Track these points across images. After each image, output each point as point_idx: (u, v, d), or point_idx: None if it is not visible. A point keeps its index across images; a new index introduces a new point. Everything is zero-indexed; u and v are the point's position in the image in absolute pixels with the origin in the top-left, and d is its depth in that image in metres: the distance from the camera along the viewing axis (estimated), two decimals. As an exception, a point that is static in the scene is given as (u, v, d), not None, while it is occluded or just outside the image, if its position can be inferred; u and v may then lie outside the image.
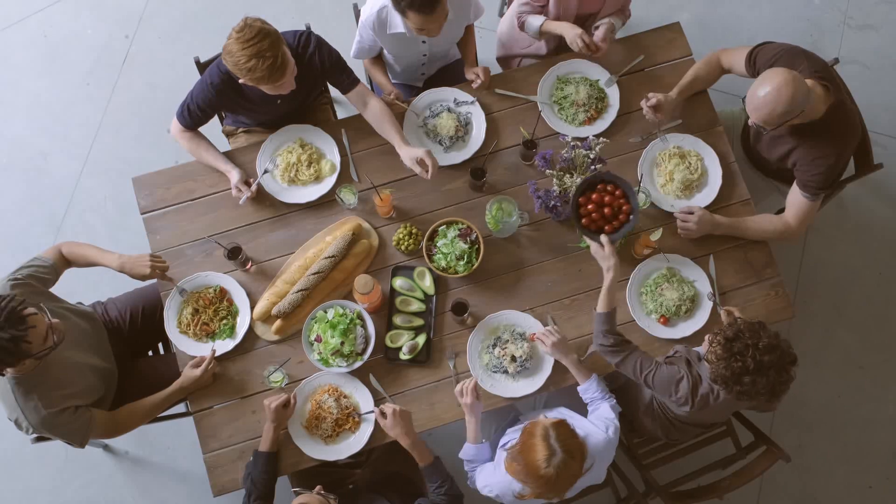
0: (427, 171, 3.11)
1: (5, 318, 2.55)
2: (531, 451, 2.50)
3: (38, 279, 2.98)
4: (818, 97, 2.91)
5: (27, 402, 2.77)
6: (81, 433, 2.93)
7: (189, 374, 3.08)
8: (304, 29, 3.19)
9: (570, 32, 3.36)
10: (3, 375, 2.73)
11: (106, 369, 3.11)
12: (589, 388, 2.99)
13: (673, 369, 2.84)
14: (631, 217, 3.06)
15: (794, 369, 2.61)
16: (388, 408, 2.94)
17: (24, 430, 2.85)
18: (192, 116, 3.22)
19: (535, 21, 3.46)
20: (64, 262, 3.10)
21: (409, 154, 3.17)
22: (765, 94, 2.81)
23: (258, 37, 2.83)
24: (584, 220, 3.07)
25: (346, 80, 3.25)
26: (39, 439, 3.12)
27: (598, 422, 2.86)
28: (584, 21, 3.57)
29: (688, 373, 2.80)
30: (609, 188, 3.08)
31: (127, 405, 3.09)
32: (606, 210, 3.05)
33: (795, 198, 3.16)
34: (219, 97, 3.15)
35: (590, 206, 3.06)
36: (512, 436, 2.89)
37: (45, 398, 2.80)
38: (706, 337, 2.71)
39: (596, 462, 2.71)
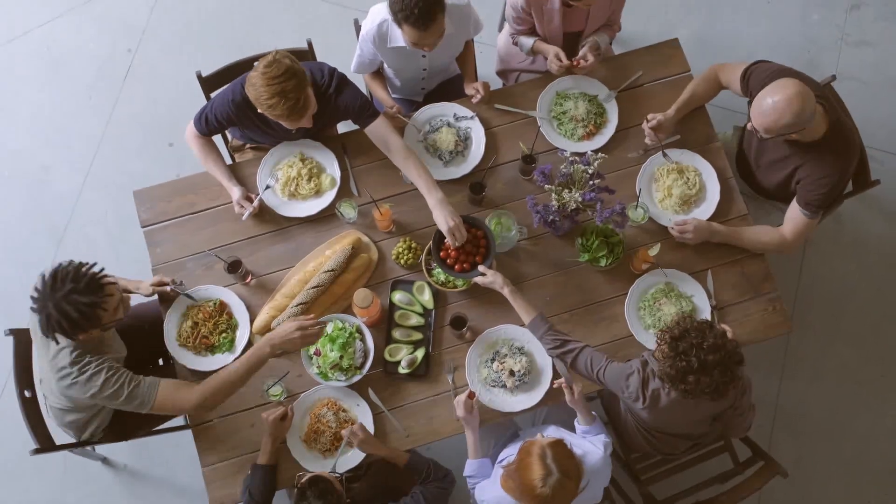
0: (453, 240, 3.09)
1: (86, 283, 2.60)
2: (527, 470, 2.49)
3: None
4: (819, 116, 2.93)
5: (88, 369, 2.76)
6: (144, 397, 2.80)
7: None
8: (329, 66, 3.18)
9: (550, 55, 3.45)
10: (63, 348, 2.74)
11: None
12: (590, 431, 3.01)
13: (624, 365, 2.86)
14: (488, 239, 3.16)
15: (741, 369, 2.63)
16: (356, 437, 2.97)
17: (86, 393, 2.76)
18: (209, 125, 3.24)
19: (527, 41, 3.55)
20: None
21: (439, 218, 3.09)
22: (774, 102, 2.82)
23: (284, 76, 2.84)
24: (457, 267, 3.14)
25: (365, 116, 3.21)
26: (39, 451, 3.13)
27: (595, 440, 2.88)
28: (574, 39, 3.62)
29: (640, 369, 2.82)
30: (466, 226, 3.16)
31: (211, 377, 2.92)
32: (467, 246, 3.14)
33: (795, 213, 3.18)
34: (237, 114, 3.16)
35: (451, 253, 3.14)
36: (511, 451, 2.89)
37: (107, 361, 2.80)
38: (656, 334, 2.73)
39: (591, 481, 2.71)
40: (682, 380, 2.58)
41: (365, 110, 3.18)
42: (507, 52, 3.80)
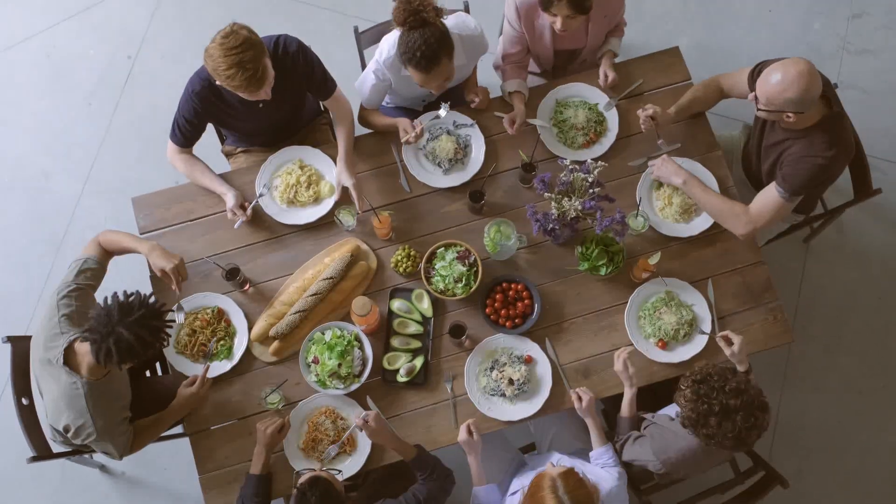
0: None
1: (155, 309, 2.67)
2: None
3: (95, 279, 3.01)
4: (817, 106, 2.91)
5: (97, 409, 2.80)
6: (125, 445, 2.98)
7: (183, 392, 3.07)
8: (283, 34, 3.20)
9: (506, 118, 3.41)
10: (82, 378, 2.76)
11: (130, 385, 3.13)
12: (603, 455, 2.98)
13: (637, 448, 2.93)
14: (529, 289, 3.23)
15: (766, 416, 2.62)
16: (370, 414, 2.91)
17: (83, 437, 2.84)
18: (183, 131, 3.24)
19: (509, 86, 3.48)
20: (105, 253, 3.09)
21: (338, 176, 3.30)
22: (785, 72, 2.79)
23: (242, 46, 2.85)
24: (508, 325, 3.21)
25: (326, 87, 3.33)
26: (36, 459, 3.12)
27: (609, 468, 2.87)
28: (568, 57, 3.60)
29: (651, 443, 2.89)
30: (503, 286, 3.26)
31: (136, 423, 3.08)
32: (511, 293, 3.24)
33: (768, 190, 3.11)
34: (202, 104, 3.16)
35: (498, 309, 3.23)
36: (521, 482, 2.86)
37: (111, 406, 2.87)
38: (680, 381, 2.75)
39: None
40: (704, 423, 2.59)
41: (325, 82, 3.30)
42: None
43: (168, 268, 3.02)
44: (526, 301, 3.21)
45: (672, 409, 2.99)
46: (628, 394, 3.05)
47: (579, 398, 3.02)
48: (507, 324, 3.21)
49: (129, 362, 2.67)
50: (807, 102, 2.81)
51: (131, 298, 2.65)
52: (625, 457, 2.99)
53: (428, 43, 2.96)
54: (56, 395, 2.81)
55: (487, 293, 3.24)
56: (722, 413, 2.56)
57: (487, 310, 3.22)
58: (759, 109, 2.92)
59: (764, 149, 3.19)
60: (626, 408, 3.06)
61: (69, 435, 2.85)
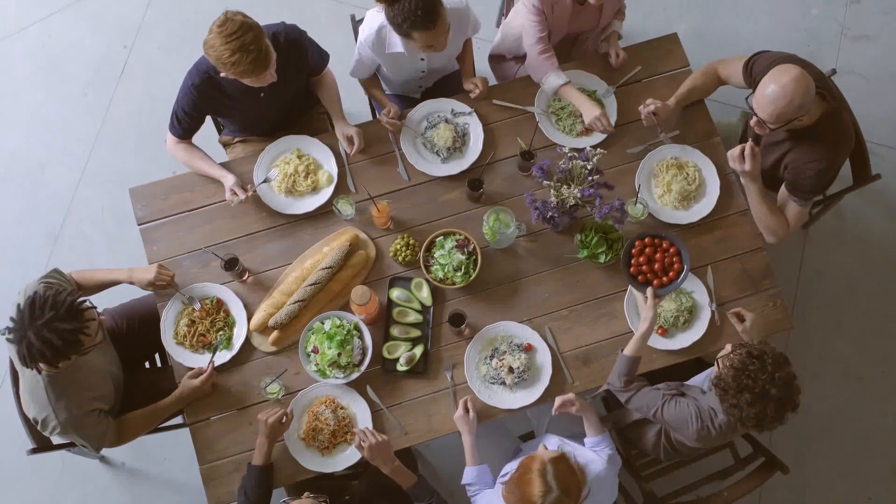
0: (352, 149, 3.33)
1: (66, 309, 2.57)
2: (527, 486, 2.46)
3: (61, 285, 2.98)
4: (816, 102, 2.91)
5: (59, 401, 2.78)
6: (99, 438, 2.95)
7: (188, 384, 3.07)
8: (281, 23, 3.21)
9: (590, 113, 3.32)
10: (40, 373, 2.72)
11: (119, 377, 3.13)
12: (600, 443, 2.97)
13: (682, 410, 2.85)
14: (681, 276, 3.10)
15: (790, 415, 2.64)
16: (366, 441, 2.89)
17: (49, 430, 2.83)
18: (182, 123, 3.23)
19: (556, 80, 3.37)
20: (77, 286, 3.08)
21: (341, 129, 3.37)
22: (782, 86, 2.76)
23: (241, 30, 2.85)
24: (632, 270, 3.12)
25: (322, 62, 3.39)
26: (36, 451, 3.11)
27: (600, 452, 2.87)
28: (576, 38, 3.59)
29: (697, 414, 2.83)
30: (664, 245, 3.15)
31: (127, 415, 3.08)
32: (656, 265, 3.12)
33: (784, 201, 3.16)
34: (201, 97, 3.15)
35: (641, 259, 3.12)
36: (513, 465, 2.86)
37: (76, 398, 2.82)
38: (728, 346, 2.73)
39: (594, 490, 2.67)
40: (736, 395, 2.58)
41: (321, 58, 3.40)
42: (502, 42, 3.73)
43: (153, 279, 3.05)
44: (676, 268, 3.13)
45: (699, 381, 3.01)
46: (643, 329, 2.95)
47: (571, 403, 2.94)
48: (655, 281, 3.10)
49: (50, 365, 2.61)
50: (810, 102, 2.82)
51: (46, 297, 2.57)
52: (658, 415, 2.90)
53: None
54: (24, 388, 2.81)
55: (633, 245, 3.15)
56: (759, 395, 2.55)
57: (633, 261, 3.13)
58: (770, 131, 2.90)
59: (763, 146, 3.19)
60: (633, 346, 2.96)
61: (38, 428, 2.84)
